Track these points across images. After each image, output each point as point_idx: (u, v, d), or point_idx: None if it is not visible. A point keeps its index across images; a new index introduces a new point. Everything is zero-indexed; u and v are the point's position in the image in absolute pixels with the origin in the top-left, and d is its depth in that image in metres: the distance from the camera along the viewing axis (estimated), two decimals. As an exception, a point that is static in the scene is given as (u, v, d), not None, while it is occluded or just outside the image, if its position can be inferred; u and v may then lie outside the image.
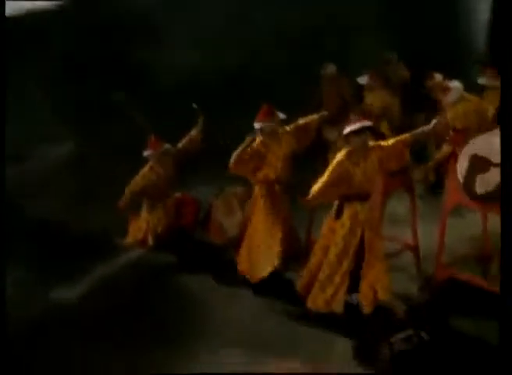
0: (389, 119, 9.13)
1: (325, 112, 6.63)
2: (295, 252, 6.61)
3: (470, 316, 5.69)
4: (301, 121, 6.51)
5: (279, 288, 6.33)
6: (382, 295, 5.60)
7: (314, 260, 5.77)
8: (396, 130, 8.86)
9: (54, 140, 9.79)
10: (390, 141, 5.54)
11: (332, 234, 5.63)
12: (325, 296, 5.60)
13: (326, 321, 5.65)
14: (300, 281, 5.88)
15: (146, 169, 7.48)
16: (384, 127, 8.44)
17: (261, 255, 6.39)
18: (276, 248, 6.31)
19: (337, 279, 5.59)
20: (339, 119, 7.02)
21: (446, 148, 6.91)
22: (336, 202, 5.63)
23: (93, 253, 7.25)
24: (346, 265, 5.57)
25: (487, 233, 6.33)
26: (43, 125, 9.52)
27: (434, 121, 5.41)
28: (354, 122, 5.42)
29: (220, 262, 6.93)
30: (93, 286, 6.66)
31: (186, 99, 7.58)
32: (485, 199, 5.41)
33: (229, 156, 6.17)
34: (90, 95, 9.81)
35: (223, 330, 5.67)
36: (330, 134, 7.85)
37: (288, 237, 6.47)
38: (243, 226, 6.68)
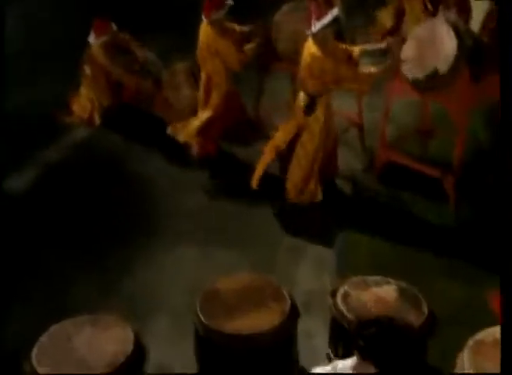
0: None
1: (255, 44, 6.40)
2: (241, 124, 6.79)
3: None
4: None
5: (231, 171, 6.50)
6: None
7: (275, 152, 5.87)
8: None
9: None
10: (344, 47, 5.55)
11: (305, 129, 5.68)
12: (311, 189, 5.78)
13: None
14: (257, 175, 5.95)
15: (101, 53, 7.22)
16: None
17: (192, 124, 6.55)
18: (198, 122, 6.46)
19: (316, 170, 5.77)
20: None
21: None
22: (306, 98, 5.62)
23: (38, 135, 7.14)
24: (320, 154, 5.77)
25: (428, 112, 6.43)
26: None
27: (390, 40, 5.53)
28: (321, 13, 5.34)
29: (171, 140, 6.95)
30: (41, 172, 6.59)
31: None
32: (426, 88, 5.44)
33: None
34: None
35: (176, 222, 5.76)
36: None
37: (231, 114, 6.60)
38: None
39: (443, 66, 5.22)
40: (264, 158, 5.89)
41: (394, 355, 2.58)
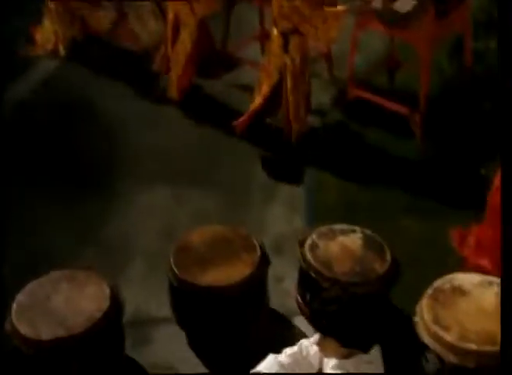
0: None
1: None
2: (210, 57, 6.69)
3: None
4: None
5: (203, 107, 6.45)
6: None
7: (263, 99, 5.82)
8: None
9: None
10: None
11: (285, 70, 5.62)
12: (303, 124, 5.86)
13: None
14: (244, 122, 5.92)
15: None
16: None
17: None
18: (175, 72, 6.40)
19: (302, 102, 5.79)
20: None
21: None
22: (279, 36, 5.53)
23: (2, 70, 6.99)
24: (302, 88, 5.78)
25: (395, 45, 6.42)
26: None
27: None
28: None
29: (140, 73, 6.84)
30: (7, 108, 6.45)
31: None
32: (393, 25, 5.44)
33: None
34: None
35: (147, 162, 5.76)
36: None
37: (201, 48, 6.48)
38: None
39: (409, 4, 5.21)
40: (253, 107, 5.85)
41: (356, 329, 2.72)
